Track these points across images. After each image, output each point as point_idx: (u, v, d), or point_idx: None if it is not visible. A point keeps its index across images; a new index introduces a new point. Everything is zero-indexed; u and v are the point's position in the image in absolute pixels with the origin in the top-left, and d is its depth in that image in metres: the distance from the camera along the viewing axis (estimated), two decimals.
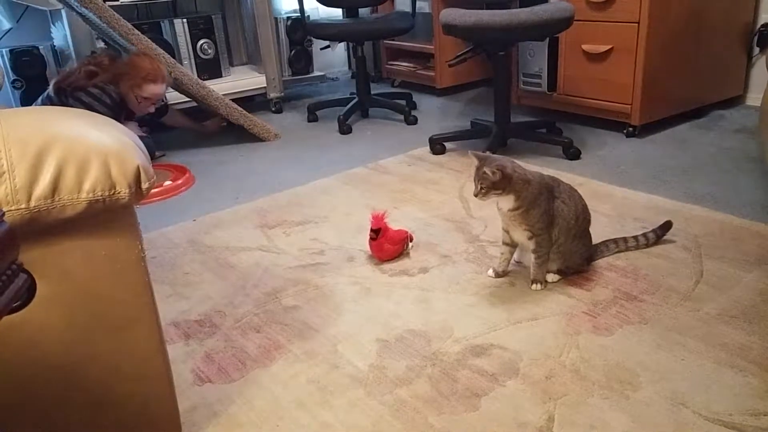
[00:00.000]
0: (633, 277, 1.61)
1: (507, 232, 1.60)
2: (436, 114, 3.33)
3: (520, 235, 1.56)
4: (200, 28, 3.30)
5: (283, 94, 3.52)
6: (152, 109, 2.72)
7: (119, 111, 2.65)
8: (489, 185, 1.47)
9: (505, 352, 1.35)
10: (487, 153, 1.55)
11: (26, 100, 2.93)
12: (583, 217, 1.59)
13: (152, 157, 2.77)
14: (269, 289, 1.68)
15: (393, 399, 1.23)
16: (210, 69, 3.37)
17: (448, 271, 1.70)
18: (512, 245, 1.62)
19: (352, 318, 1.52)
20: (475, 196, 1.49)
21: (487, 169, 1.46)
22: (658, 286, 1.56)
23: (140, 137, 2.62)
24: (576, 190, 1.60)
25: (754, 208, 1.95)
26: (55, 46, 3.06)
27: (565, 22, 2.30)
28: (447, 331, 1.44)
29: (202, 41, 3.32)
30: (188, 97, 2.96)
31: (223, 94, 2.92)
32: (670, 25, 2.55)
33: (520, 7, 2.32)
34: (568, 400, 1.20)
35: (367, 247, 1.80)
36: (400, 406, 1.21)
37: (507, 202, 1.50)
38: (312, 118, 3.34)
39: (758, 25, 2.90)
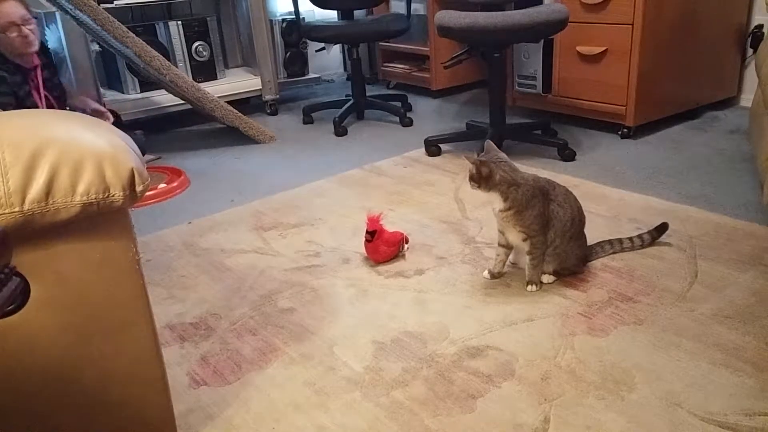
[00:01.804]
0: (628, 278, 1.61)
1: (502, 233, 1.60)
2: (431, 116, 3.33)
3: (515, 237, 1.57)
4: (195, 31, 3.30)
5: (278, 96, 3.52)
6: (33, 40, 2.28)
7: (19, 79, 2.34)
8: (470, 176, 1.53)
9: (501, 354, 1.35)
10: (496, 149, 1.57)
11: None
12: (578, 220, 1.59)
13: (143, 153, 2.75)
14: (265, 291, 1.67)
15: (389, 401, 1.23)
16: (205, 71, 3.37)
17: (443, 273, 1.70)
18: (507, 247, 1.62)
19: (347, 320, 1.51)
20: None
21: (468, 162, 1.53)
22: (653, 286, 1.56)
23: (132, 134, 2.57)
24: (571, 193, 1.60)
25: (748, 209, 1.95)
26: (49, 48, 3.05)
27: (560, 24, 2.31)
28: (443, 333, 1.44)
29: (197, 43, 3.31)
30: (183, 99, 2.96)
31: (219, 97, 2.91)
32: (664, 26, 2.56)
33: (515, 9, 2.32)
34: (564, 401, 1.20)
35: (363, 249, 1.79)
36: (396, 407, 1.21)
37: (496, 202, 1.53)
38: (307, 120, 3.34)
39: (752, 27, 2.92)
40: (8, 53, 2.29)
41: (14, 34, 2.23)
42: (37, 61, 2.36)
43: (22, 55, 2.31)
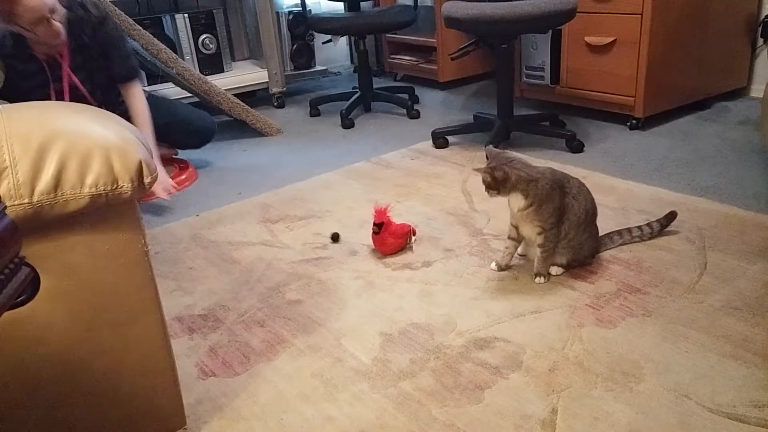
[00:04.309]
0: (637, 269, 1.61)
1: (515, 227, 1.59)
2: (438, 108, 3.32)
3: (530, 231, 1.56)
4: (202, 23, 3.30)
5: (285, 88, 3.51)
6: (60, 29, 2.02)
7: (33, 68, 2.12)
8: (486, 186, 1.51)
9: (509, 345, 1.35)
10: (500, 150, 1.56)
11: None
12: (591, 212, 1.59)
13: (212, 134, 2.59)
14: (273, 283, 1.68)
15: (397, 392, 1.23)
16: (212, 64, 3.37)
17: (451, 265, 1.70)
18: (517, 240, 1.62)
19: (355, 312, 1.52)
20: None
21: (480, 173, 1.51)
22: (662, 278, 1.56)
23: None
24: (584, 185, 1.59)
25: (758, 200, 1.94)
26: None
27: (568, 14, 2.29)
28: (450, 325, 1.44)
29: (203, 36, 3.31)
30: (190, 92, 2.96)
31: (225, 89, 2.92)
32: (673, 16, 2.54)
33: None
34: (572, 393, 1.20)
35: (370, 241, 1.80)
36: (403, 399, 1.21)
37: (517, 201, 1.51)
38: (314, 112, 3.34)
39: (762, 17, 2.89)
40: (35, 48, 2.09)
41: (42, 29, 1.98)
42: (64, 50, 2.12)
43: (49, 47, 2.09)
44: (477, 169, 1.54)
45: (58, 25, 2.01)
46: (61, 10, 2.03)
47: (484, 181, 1.51)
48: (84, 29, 2.14)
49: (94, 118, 0.95)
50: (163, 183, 2.12)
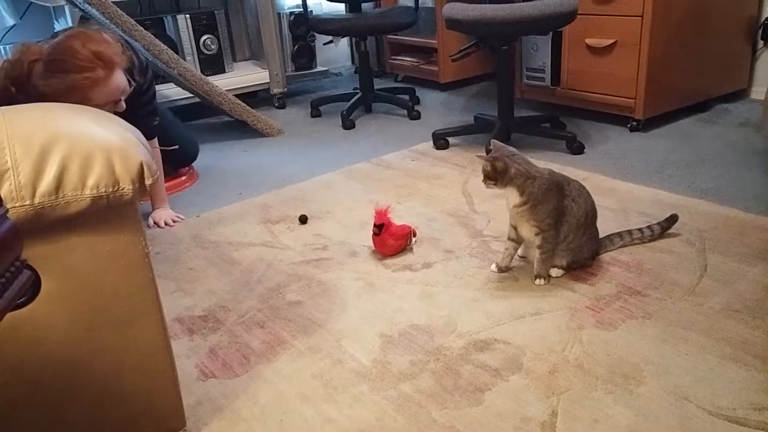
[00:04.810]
0: (637, 271, 1.61)
1: (514, 228, 1.60)
2: (439, 109, 3.32)
3: (528, 231, 1.56)
4: (203, 24, 3.30)
5: (286, 89, 3.51)
6: (123, 107, 1.84)
7: None
8: (485, 175, 1.52)
9: (509, 347, 1.35)
10: (503, 144, 1.57)
11: None
12: (591, 215, 1.59)
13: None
14: (273, 284, 1.68)
15: (396, 394, 1.24)
16: (213, 65, 3.37)
17: (451, 266, 1.70)
18: (517, 241, 1.62)
19: (355, 313, 1.52)
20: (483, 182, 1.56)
21: (481, 161, 1.52)
22: (662, 280, 1.56)
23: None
24: (585, 188, 1.59)
25: (758, 202, 1.94)
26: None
27: (569, 16, 2.29)
28: (450, 326, 1.44)
29: (205, 37, 3.31)
30: (191, 93, 2.96)
31: (226, 90, 2.91)
32: (674, 18, 2.54)
33: (523, 0, 2.31)
34: (572, 395, 1.20)
35: (371, 243, 1.80)
36: (403, 400, 1.22)
37: (512, 196, 1.52)
38: (315, 113, 3.34)
39: (762, 19, 2.89)
40: None
41: (107, 108, 1.76)
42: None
43: None
44: (479, 156, 1.55)
45: (123, 105, 1.84)
46: (128, 89, 1.86)
47: (483, 170, 1.52)
48: (128, 97, 1.96)
49: (95, 119, 0.96)
50: (165, 217, 2.14)
